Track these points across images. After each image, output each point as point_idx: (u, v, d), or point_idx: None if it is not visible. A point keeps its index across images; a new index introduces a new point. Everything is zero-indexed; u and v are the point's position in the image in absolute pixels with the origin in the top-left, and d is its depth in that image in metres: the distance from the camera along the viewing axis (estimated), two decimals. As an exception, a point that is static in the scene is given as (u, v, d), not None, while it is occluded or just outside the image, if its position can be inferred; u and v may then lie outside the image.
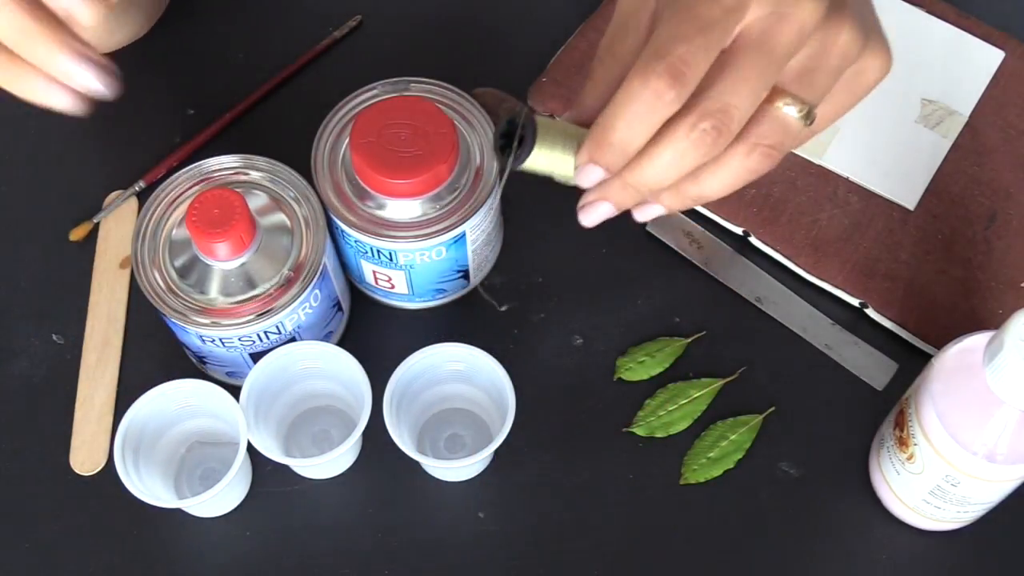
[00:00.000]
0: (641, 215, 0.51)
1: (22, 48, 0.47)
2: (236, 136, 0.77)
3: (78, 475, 0.67)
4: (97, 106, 0.50)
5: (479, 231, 0.66)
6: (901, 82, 0.77)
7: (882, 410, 0.66)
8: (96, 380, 0.70)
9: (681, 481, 0.67)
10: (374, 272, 0.68)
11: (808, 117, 0.47)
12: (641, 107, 0.45)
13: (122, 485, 0.60)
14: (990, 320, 0.69)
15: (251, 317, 0.62)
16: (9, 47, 0.47)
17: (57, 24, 0.47)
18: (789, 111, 0.47)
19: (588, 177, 0.48)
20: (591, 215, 0.50)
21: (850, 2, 0.47)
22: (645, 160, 0.47)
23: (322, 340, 0.66)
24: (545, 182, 0.76)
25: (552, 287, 0.72)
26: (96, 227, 0.74)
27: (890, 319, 0.70)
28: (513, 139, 0.48)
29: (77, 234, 0.73)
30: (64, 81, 0.48)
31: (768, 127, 0.47)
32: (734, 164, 0.47)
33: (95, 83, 0.48)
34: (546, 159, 0.49)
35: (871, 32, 0.49)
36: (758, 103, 0.46)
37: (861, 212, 0.73)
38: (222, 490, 0.60)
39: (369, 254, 0.66)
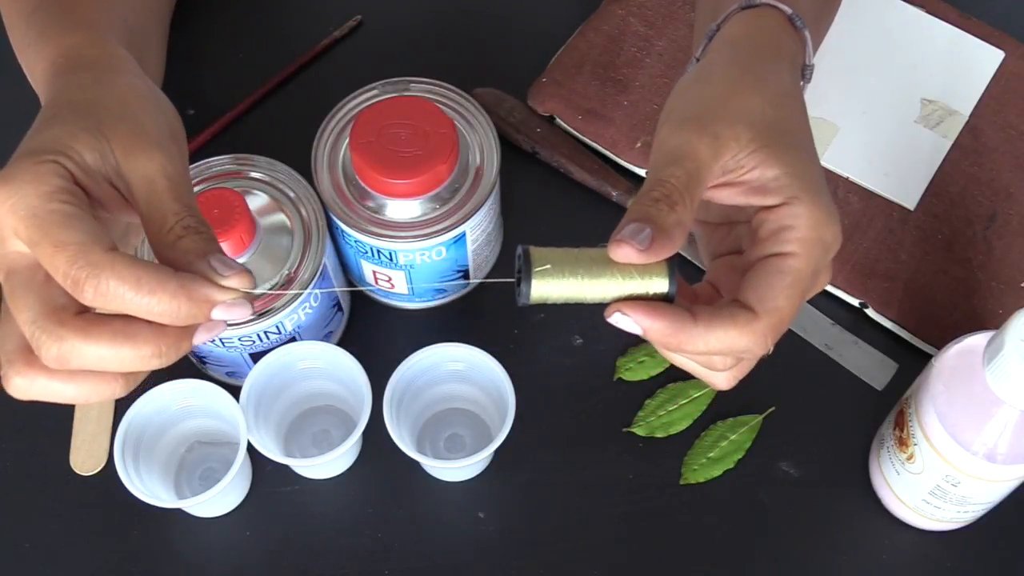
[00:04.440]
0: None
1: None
2: (236, 136, 0.77)
3: (78, 475, 0.67)
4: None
5: (479, 231, 0.66)
6: (901, 82, 0.77)
7: (882, 410, 0.66)
8: (96, 380, 0.69)
9: (681, 481, 0.67)
10: (374, 272, 0.68)
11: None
12: (736, 347, 0.48)
13: (122, 485, 0.60)
14: (990, 320, 0.69)
15: (251, 317, 0.62)
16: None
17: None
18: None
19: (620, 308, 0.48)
20: (621, 325, 0.49)
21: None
22: (699, 338, 0.47)
23: (322, 340, 0.66)
24: (542, 183, 0.77)
25: (552, 287, 0.72)
26: (96, 227, 0.73)
27: (890, 319, 0.70)
28: (521, 273, 0.47)
29: (77, 234, 0.73)
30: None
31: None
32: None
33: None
34: (561, 288, 0.47)
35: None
36: None
37: (861, 212, 0.73)
38: (222, 490, 0.60)
39: (369, 254, 0.66)
